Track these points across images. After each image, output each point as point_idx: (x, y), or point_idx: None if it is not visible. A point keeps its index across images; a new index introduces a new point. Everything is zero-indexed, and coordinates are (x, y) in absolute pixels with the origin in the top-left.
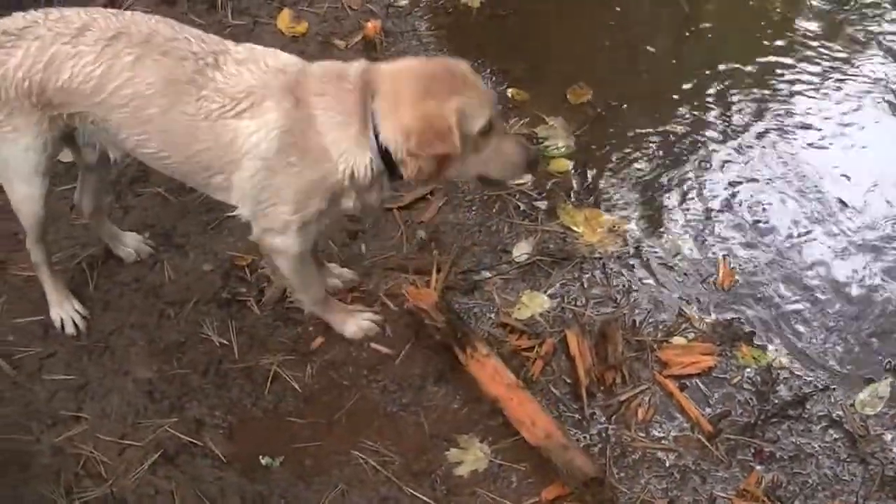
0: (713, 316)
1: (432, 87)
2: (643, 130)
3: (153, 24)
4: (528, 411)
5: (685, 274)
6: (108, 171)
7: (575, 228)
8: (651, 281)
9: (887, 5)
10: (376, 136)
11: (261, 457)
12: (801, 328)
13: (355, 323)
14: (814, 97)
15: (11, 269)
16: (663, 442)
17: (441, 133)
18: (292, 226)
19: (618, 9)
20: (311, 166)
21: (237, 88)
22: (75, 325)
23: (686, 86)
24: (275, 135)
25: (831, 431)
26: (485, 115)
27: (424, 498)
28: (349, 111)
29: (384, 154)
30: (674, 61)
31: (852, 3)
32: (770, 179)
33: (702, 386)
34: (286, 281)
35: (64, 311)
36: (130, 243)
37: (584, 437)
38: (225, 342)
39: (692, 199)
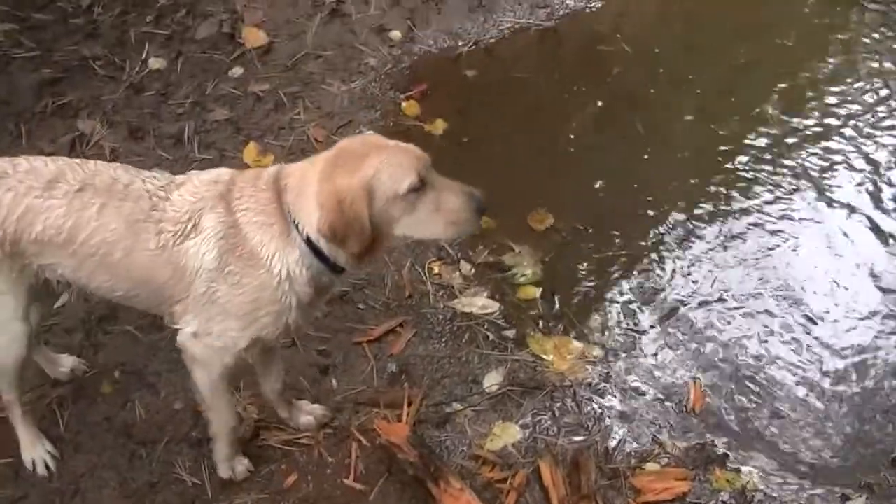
0: (686, 440)
1: (340, 161)
2: (609, 254)
3: (113, 172)
4: None
5: (656, 398)
6: (51, 304)
7: (545, 357)
8: (622, 407)
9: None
10: (298, 230)
11: None
12: (773, 448)
13: (233, 468)
14: (778, 212)
15: None
16: None
17: (352, 207)
18: (239, 342)
19: (572, 135)
20: (248, 273)
21: (182, 211)
22: (47, 466)
23: (649, 209)
24: (213, 244)
25: None
26: (411, 172)
27: None
28: (267, 211)
29: (312, 246)
30: (635, 185)
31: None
32: (738, 297)
33: None
34: (201, 395)
35: (36, 452)
36: (67, 363)
37: None
38: (197, 482)
39: (661, 321)
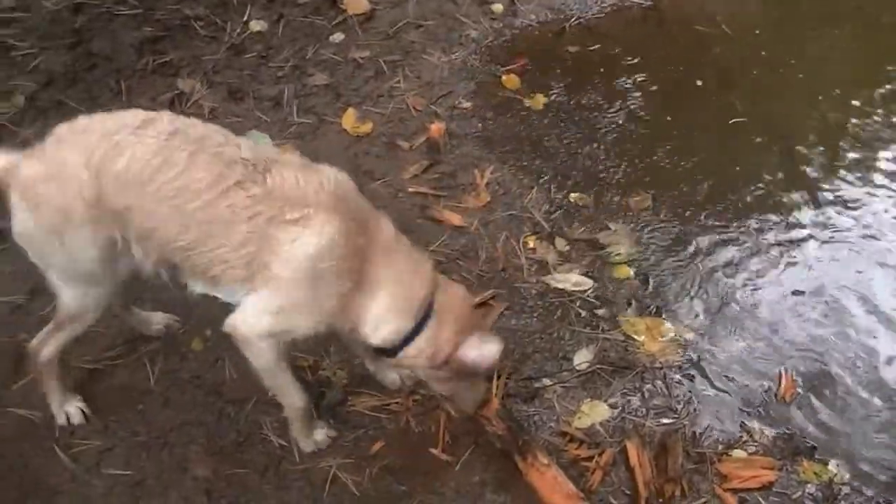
0: (774, 429)
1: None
2: (706, 237)
3: (205, 130)
4: None
5: (746, 385)
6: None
7: (636, 337)
8: (712, 392)
9: None
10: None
11: None
12: (863, 442)
13: (312, 437)
14: (883, 206)
15: (73, 363)
16: None
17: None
18: (298, 332)
19: (670, 117)
20: (343, 287)
21: (290, 195)
22: (83, 412)
23: (748, 194)
24: (322, 245)
25: None
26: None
27: None
28: (415, 286)
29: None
30: (736, 168)
31: None
32: (838, 288)
33: (762, 501)
34: (267, 384)
35: (70, 405)
36: (160, 320)
37: None
38: (284, 443)
39: (756, 308)
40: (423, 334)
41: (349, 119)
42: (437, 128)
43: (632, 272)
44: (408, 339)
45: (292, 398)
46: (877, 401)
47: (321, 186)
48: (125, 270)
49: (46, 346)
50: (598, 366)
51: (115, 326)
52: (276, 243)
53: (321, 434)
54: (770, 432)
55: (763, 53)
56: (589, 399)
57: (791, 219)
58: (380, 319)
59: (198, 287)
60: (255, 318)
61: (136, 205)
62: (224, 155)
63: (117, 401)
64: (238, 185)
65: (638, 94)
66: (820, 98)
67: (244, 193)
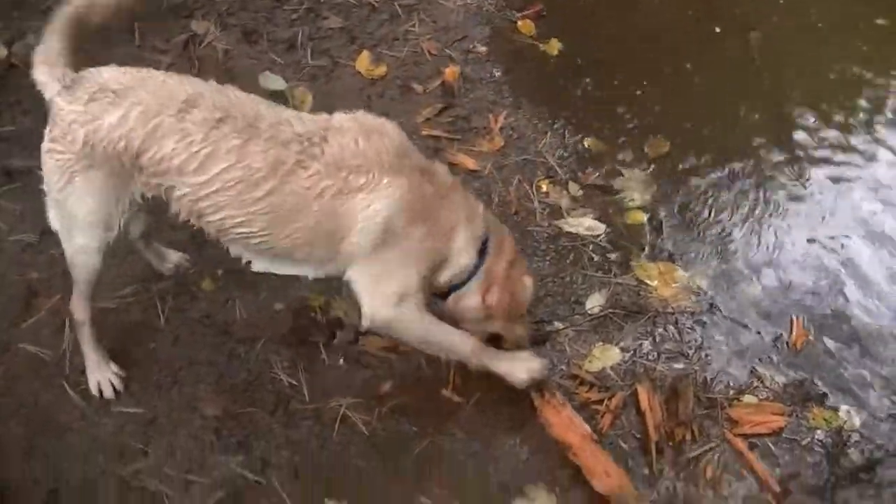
0: (785, 376)
1: (520, 261)
2: (722, 185)
3: (256, 107)
4: (602, 462)
5: (758, 332)
6: (165, 211)
7: (649, 282)
8: (723, 338)
9: None
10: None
11: (326, 499)
12: (874, 391)
13: (524, 369)
14: None
15: None
16: (731, 501)
17: (518, 296)
18: (409, 291)
19: (690, 64)
20: (433, 235)
21: (352, 163)
22: (114, 387)
23: (766, 141)
24: (397, 205)
25: None
26: None
27: None
28: (476, 224)
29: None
30: (756, 116)
31: None
32: (848, 236)
33: (772, 446)
34: (430, 349)
35: (102, 374)
36: (172, 258)
37: (652, 493)
38: (294, 382)
39: (769, 256)
40: (480, 271)
41: (363, 62)
42: (451, 72)
43: (645, 218)
44: (470, 276)
45: (463, 345)
46: (890, 348)
47: (381, 147)
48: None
49: (75, 306)
50: (610, 310)
51: (126, 265)
52: (350, 215)
53: (532, 362)
54: (781, 379)
55: (781, 1)
56: (600, 343)
57: (807, 167)
58: (453, 257)
59: (272, 267)
60: (376, 301)
61: (179, 189)
62: (278, 137)
63: (128, 340)
64: (298, 165)
65: (654, 40)
66: (838, 47)
67: (306, 173)
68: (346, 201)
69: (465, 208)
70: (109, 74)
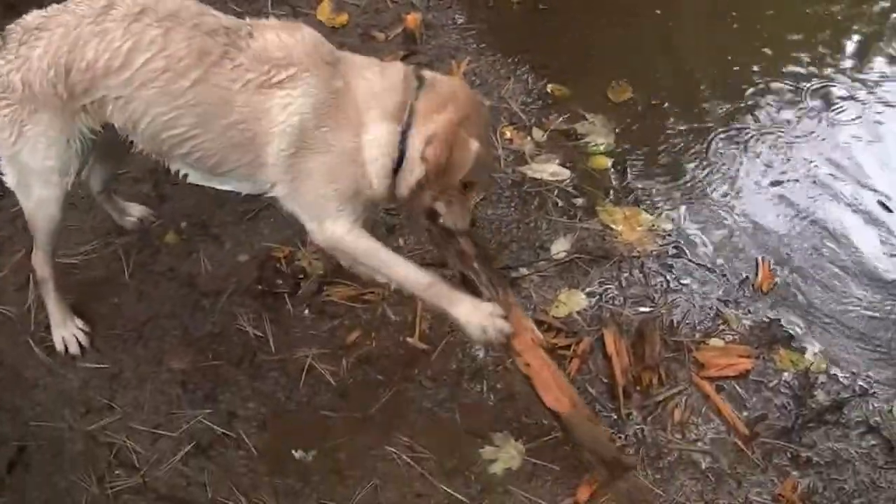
0: (751, 318)
1: (472, 119)
2: (684, 128)
3: (179, 2)
4: (556, 379)
5: (724, 275)
6: (122, 157)
7: (614, 227)
8: (689, 281)
9: None
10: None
11: (294, 450)
12: (840, 332)
13: (483, 321)
14: (855, 91)
15: None
16: (699, 444)
17: (457, 158)
18: (334, 204)
19: (658, 9)
20: (344, 138)
21: (275, 56)
22: (79, 343)
23: (727, 81)
24: (311, 104)
25: (869, 438)
26: (480, 175)
27: (458, 496)
28: (390, 97)
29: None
30: (728, 57)
31: None
32: (812, 177)
33: (739, 389)
34: (377, 276)
35: (67, 330)
36: (135, 212)
37: (621, 438)
38: (260, 334)
39: (733, 198)
40: (411, 137)
41: (324, 11)
42: (412, 18)
43: (609, 163)
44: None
45: (417, 276)
46: (855, 290)
47: (300, 41)
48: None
49: (37, 262)
50: (575, 255)
51: (89, 221)
52: (270, 114)
53: (495, 318)
54: (747, 321)
55: None
56: (566, 288)
57: (772, 107)
58: (374, 136)
59: (206, 180)
60: (312, 223)
61: (110, 97)
62: (203, 26)
63: (92, 295)
64: (224, 56)
65: None
66: None
67: (231, 64)
68: (267, 98)
69: (377, 87)
70: (31, 17)
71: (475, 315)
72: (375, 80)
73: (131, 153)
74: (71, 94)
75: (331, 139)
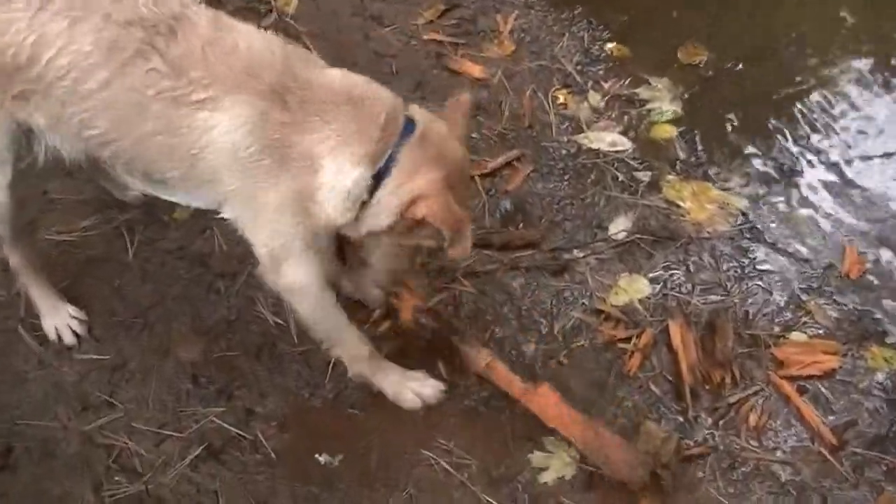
0: (838, 309)
1: (457, 184)
2: (763, 93)
3: None
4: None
5: (806, 260)
6: None
7: (681, 204)
8: (767, 267)
9: None
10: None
11: (318, 454)
12: None
13: (412, 390)
14: None
15: (40, 234)
16: (778, 453)
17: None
18: (294, 244)
19: None
20: (295, 176)
21: (193, 74)
22: (74, 332)
23: (817, 41)
24: (243, 132)
25: None
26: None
27: None
28: (362, 132)
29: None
30: (805, 23)
31: None
32: None
33: (824, 390)
34: (312, 332)
35: (59, 318)
36: (137, 185)
37: (689, 443)
38: (281, 322)
39: (817, 173)
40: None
41: None
42: None
43: (676, 132)
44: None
45: (352, 345)
46: None
47: (231, 59)
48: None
49: (6, 252)
50: (637, 235)
51: (88, 192)
52: (195, 132)
53: (429, 388)
54: (834, 313)
55: None
56: (627, 273)
57: (863, 77)
58: (324, 188)
59: (150, 188)
60: (263, 257)
61: (28, 89)
62: (117, 14)
63: (91, 276)
64: (138, 55)
65: None
66: None
67: (145, 66)
68: (187, 115)
69: (342, 123)
70: None
71: (405, 387)
72: (345, 121)
73: None
74: None
75: (272, 176)
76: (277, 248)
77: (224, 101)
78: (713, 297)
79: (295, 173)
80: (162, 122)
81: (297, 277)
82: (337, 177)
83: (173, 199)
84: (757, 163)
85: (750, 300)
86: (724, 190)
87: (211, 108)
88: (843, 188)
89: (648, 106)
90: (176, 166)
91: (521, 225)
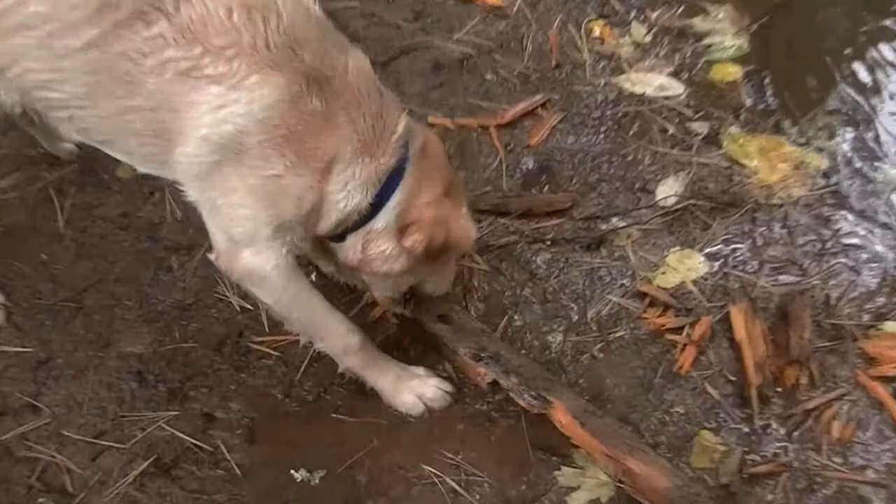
0: None
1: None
2: (849, 26)
3: None
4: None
5: None
6: None
7: (746, 163)
8: (854, 241)
9: None
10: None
11: (293, 469)
12: None
13: (413, 390)
14: None
15: None
16: (869, 473)
17: (434, 248)
18: (266, 232)
19: None
20: (295, 172)
21: (214, 42)
22: None
23: None
24: (258, 118)
25: None
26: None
27: None
28: (384, 140)
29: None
30: None
31: None
32: None
33: None
34: (292, 325)
35: None
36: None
37: (755, 459)
38: (248, 307)
39: None
40: (388, 205)
41: None
42: None
43: (740, 73)
44: (365, 217)
45: (340, 335)
46: None
47: (266, 29)
48: None
49: None
50: (690, 201)
51: (5, 145)
52: (192, 113)
53: (432, 387)
54: None
55: None
56: (678, 247)
57: None
58: (330, 198)
59: (99, 145)
60: (220, 242)
61: None
62: None
63: (11, 250)
64: (137, 17)
65: None
66: None
67: (146, 31)
68: (191, 91)
69: (361, 132)
70: None
71: (402, 386)
72: (362, 124)
73: None
74: None
75: (277, 166)
76: (239, 234)
77: (250, 79)
78: (786, 278)
79: (300, 171)
80: (157, 98)
81: (257, 262)
82: (342, 187)
83: (121, 158)
84: (842, 112)
85: (832, 282)
86: (801, 145)
87: (228, 85)
88: None
89: (706, 41)
90: (155, 143)
91: (546, 188)
